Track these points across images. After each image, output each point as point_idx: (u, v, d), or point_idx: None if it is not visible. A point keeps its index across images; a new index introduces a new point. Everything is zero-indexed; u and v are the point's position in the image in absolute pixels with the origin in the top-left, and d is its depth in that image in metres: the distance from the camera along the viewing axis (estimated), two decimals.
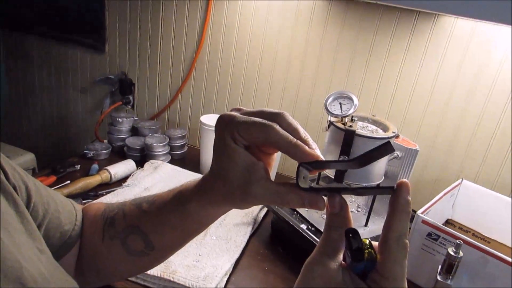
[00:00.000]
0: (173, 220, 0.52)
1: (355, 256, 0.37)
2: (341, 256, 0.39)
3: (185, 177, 1.25)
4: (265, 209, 1.11)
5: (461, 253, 0.76)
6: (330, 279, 0.37)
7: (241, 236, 0.99)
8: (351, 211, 0.97)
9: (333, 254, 0.38)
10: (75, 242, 0.58)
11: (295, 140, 0.41)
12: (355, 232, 0.37)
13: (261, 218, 1.09)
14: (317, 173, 0.45)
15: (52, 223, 0.55)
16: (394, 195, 0.37)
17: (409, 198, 0.37)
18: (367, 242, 0.38)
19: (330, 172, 0.86)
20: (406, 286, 0.36)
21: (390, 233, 0.36)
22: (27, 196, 0.52)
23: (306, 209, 0.97)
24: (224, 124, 0.43)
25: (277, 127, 0.41)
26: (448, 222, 1.13)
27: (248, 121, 0.42)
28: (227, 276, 0.86)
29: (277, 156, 0.49)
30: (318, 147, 0.43)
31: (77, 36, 1.66)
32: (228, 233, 0.99)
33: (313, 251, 0.39)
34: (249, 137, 0.42)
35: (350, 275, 0.37)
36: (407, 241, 0.36)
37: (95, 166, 1.26)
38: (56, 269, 0.50)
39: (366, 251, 0.37)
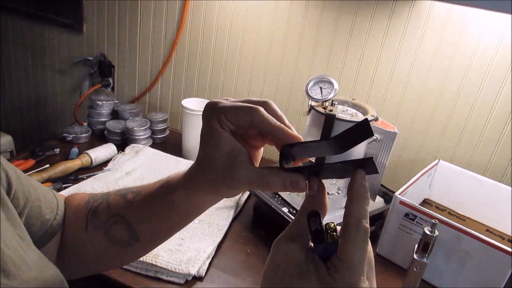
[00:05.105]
0: (158, 211, 0.52)
1: (314, 238, 0.38)
2: (308, 238, 0.40)
3: (167, 161, 1.25)
4: (247, 193, 1.12)
5: (436, 232, 0.79)
6: (293, 258, 0.39)
7: (224, 220, 1.00)
8: (332, 194, 0.99)
9: (299, 235, 0.40)
10: (56, 231, 0.58)
11: (278, 123, 0.43)
12: (316, 215, 0.39)
13: (243, 202, 1.10)
14: (300, 163, 0.47)
15: (33, 212, 0.54)
16: (350, 181, 0.39)
17: (365, 183, 0.39)
18: (332, 225, 0.39)
19: None
20: (364, 271, 0.37)
21: (350, 217, 0.38)
22: (8, 183, 0.51)
23: (288, 192, 0.99)
24: (211, 109, 0.44)
25: (262, 110, 0.43)
26: (425, 202, 1.16)
27: (234, 106, 0.43)
28: (210, 259, 0.88)
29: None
30: (299, 131, 0.45)
31: (54, 15, 1.61)
32: (211, 217, 1.00)
33: (283, 231, 0.42)
34: (235, 120, 0.43)
35: (313, 256, 0.39)
36: (367, 225, 0.37)
37: (75, 149, 1.25)
38: (38, 256, 0.50)
39: (329, 234, 0.38)
